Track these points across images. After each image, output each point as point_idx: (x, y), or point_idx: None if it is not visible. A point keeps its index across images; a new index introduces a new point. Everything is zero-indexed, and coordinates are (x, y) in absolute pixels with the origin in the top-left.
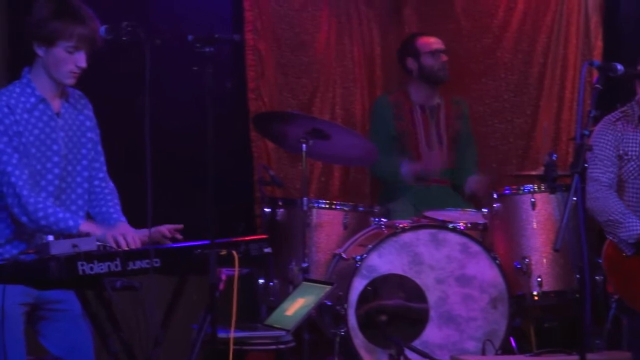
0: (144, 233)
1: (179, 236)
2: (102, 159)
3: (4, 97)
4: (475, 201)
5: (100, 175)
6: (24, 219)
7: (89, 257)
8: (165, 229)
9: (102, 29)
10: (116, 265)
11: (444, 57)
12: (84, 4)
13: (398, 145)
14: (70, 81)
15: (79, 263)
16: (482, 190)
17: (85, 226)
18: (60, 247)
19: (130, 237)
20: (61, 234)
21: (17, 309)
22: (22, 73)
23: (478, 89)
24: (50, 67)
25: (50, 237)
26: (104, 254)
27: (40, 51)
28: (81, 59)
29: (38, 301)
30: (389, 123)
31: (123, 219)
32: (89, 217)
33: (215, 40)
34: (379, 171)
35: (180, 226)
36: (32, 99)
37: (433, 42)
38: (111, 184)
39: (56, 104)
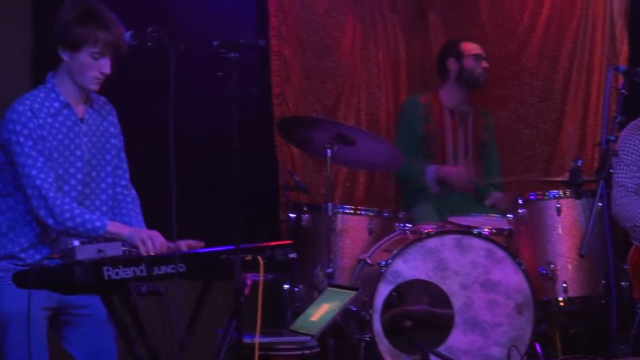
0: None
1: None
2: (125, 165)
3: (28, 102)
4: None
5: (123, 182)
6: (50, 221)
7: (114, 262)
8: (184, 246)
9: (128, 34)
10: (141, 271)
11: (485, 64)
12: (108, 9)
13: (424, 148)
14: (95, 87)
15: (105, 268)
16: (504, 205)
17: (112, 226)
18: (85, 252)
19: (157, 242)
20: (88, 235)
21: (40, 313)
22: (47, 78)
23: (503, 95)
24: (74, 73)
25: (76, 242)
26: (129, 259)
27: (65, 56)
28: (105, 65)
29: (61, 305)
30: (417, 124)
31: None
32: None
33: (241, 45)
34: (402, 173)
35: (202, 244)
36: (56, 104)
37: (476, 48)
38: (133, 192)
39: (80, 109)
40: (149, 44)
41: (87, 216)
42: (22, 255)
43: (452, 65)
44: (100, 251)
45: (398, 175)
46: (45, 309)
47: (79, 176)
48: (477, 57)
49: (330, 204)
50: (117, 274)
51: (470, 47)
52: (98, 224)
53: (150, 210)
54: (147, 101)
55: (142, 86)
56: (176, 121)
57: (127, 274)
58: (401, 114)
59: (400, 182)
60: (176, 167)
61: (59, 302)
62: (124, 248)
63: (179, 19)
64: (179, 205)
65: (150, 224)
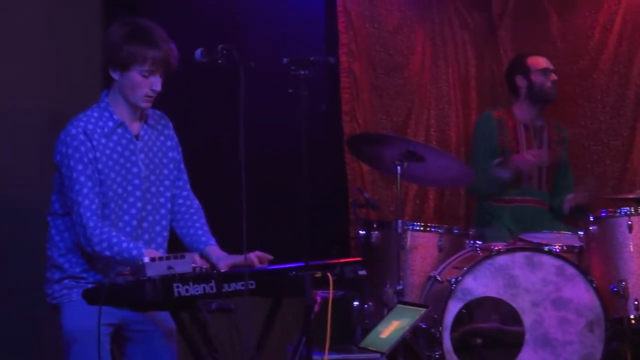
0: (239, 259)
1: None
2: (185, 177)
3: (82, 123)
4: (572, 221)
5: (184, 193)
6: (88, 249)
7: (184, 279)
8: (255, 257)
9: (198, 52)
10: (211, 287)
11: (554, 77)
12: (157, 26)
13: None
14: (146, 105)
15: (175, 285)
16: (584, 200)
17: (149, 254)
18: (155, 269)
19: None
20: (126, 264)
21: (103, 329)
22: (101, 96)
23: (574, 112)
24: (126, 91)
25: (146, 259)
26: (199, 275)
27: (115, 75)
28: (156, 83)
29: (122, 322)
30: (491, 138)
31: (213, 241)
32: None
33: (310, 62)
34: (476, 185)
35: (270, 257)
36: (110, 123)
37: (543, 61)
38: (196, 202)
39: (135, 126)
40: (219, 61)
41: (125, 245)
42: (84, 275)
43: (520, 82)
44: (170, 268)
45: (472, 189)
46: (108, 325)
47: (138, 193)
48: (544, 71)
49: (400, 221)
50: (187, 290)
51: (537, 62)
52: (135, 252)
53: (221, 226)
54: (217, 118)
55: (212, 104)
56: (246, 138)
57: (197, 291)
58: (475, 130)
59: (476, 196)
60: (246, 184)
61: (121, 319)
62: (193, 265)
63: (249, 36)
64: (249, 222)
65: (220, 240)
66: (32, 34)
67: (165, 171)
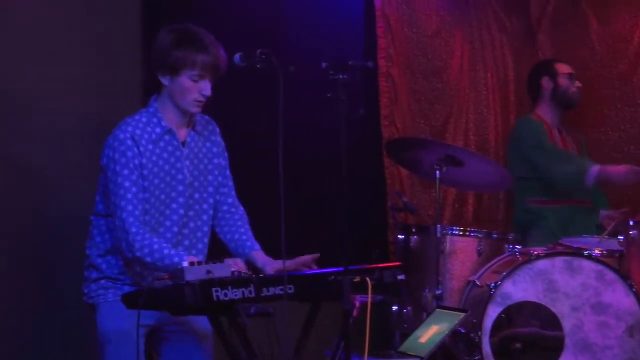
0: (279, 264)
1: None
2: (231, 183)
3: (130, 128)
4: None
5: (230, 200)
6: (129, 255)
7: (223, 283)
8: (302, 262)
9: (237, 56)
10: (250, 292)
11: (578, 84)
12: (206, 31)
13: None
14: (196, 110)
15: (214, 289)
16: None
17: (190, 261)
18: (194, 274)
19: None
20: (167, 271)
21: (140, 330)
22: (150, 102)
23: (614, 116)
24: (175, 96)
25: (186, 263)
26: (238, 280)
27: (165, 81)
28: (206, 87)
29: (159, 323)
30: (546, 137)
31: (257, 247)
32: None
33: (349, 67)
34: (560, 175)
35: (317, 256)
36: (158, 130)
37: (570, 68)
38: (241, 209)
39: (182, 133)
40: (259, 66)
41: (166, 252)
42: (121, 277)
43: (547, 83)
44: (209, 272)
45: (553, 181)
46: (144, 327)
47: (181, 200)
48: (571, 76)
49: (439, 225)
50: (226, 295)
51: (565, 67)
52: (176, 259)
53: (260, 232)
54: (256, 123)
55: (252, 108)
56: (285, 143)
57: (236, 295)
58: (529, 131)
59: (559, 187)
60: (285, 188)
61: (157, 320)
62: (232, 269)
63: (289, 41)
64: (288, 227)
65: (260, 244)
66: (74, 43)
67: (210, 177)
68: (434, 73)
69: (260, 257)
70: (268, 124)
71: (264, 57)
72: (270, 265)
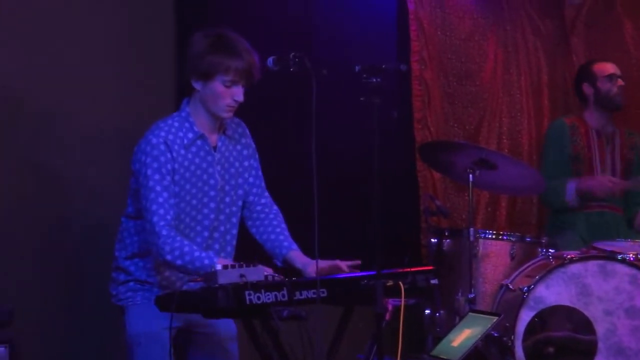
0: (326, 264)
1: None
2: (263, 184)
3: (163, 133)
4: None
5: (262, 200)
6: (160, 258)
7: (256, 286)
8: (344, 265)
9: (270, 60)
10: (283, 295)
11: (621, 82)
12: (240, 36)
13: (573, 169)
14: (228, 115)
15: (247, 292)
16: None
17: (222, 263)
18: (227, 277)
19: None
20: (197, 273)
21: (166, 333)
22: (182, 105)
23: None
24: (207, 101)
25: (219, 266)
26: (271, 283)
27: (197, 85)
28: (239, 93)
29: (186, 324)
30: (565, 145)
31: (295, 246)
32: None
33: (382, 70)
34: (545, 196)
35: (358, 262)
36: (190, 135)
37: (609, 67)
38: (275, 208)
39: (214, 137)
40: (292, 69)
41: (197, 254)
42: (150, 280)
43: (587, 89)
44: (242, 276)
45: (541, 198)
46: (172, 329)
47: (212, 205)
48: (610, 77)
49: (472, 229)
50: (258, 298)
51: (604, 68)
52: (207, 262)
53: (293, 234)
54: (289, 126)
55: (285, 112)
56: (318, 146)
57: (268, 299)
58: (547, 136)
59: (544, 205)
60: (318, 191)
61: (185, 321)
62: (265, 273)
63: (321, 44)
64: (321, 230)
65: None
66: (107, 45)
67: (240, 180)
68: (467, 76)
69: (298, 257)
70: (301, 127)
71: (297, 60)
72: (310, 266)
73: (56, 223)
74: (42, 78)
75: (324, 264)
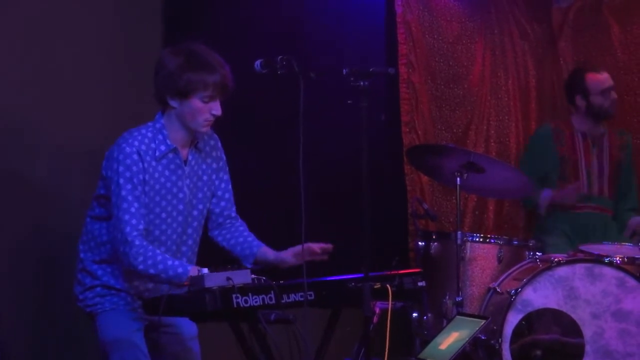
0: (297, 249)
1: (325, 257)
2: (232, 198)
3: (136, 142)
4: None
5: (230, 213)
6: (131, 267)
7: (243, 290)
8: (315, 246)
9: (257, 63)
10: (270, 298)
11: (614, 95)
12: (209, 49)
13: (560, 171)
14: (206, 129)
15: (234, 296)
16: None
17: (194, 271)
18: (214, 280)
19: None
20: (170, 282)
21: (139, 335)
22: (156, 117)
23: (636, 122)
24: (185, 118)
25: (205, 270)
26: (258, 286)
27: (174, 103)
28: (216, 107)
29: (151, 324)
30: (549, 150)
31: (262, 244)
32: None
33: (370, 73)
34: (524, 200)
35: (330, 246)
36: (163, 147)
37: (603, 80)
38: (241, 220)
39: (185, 151)
40: (279, 72)
41: (170, 262)
42: (118, 286)
43: (580, 102)
44: (229, 279)
45: (523, 201)
46: (140, 330)
47: (180, 218)
48: (604, 92)
49: (459, 232)
50: (246, 301)
51: (598, 82)
52: (180, 270)
53: (280, 237)
54: (277, 129)
55: (272, 114)
56: (305, 149)
57: (256, 302)
58: (531, 143)
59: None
60: (305, 194)
61: (150, 321)
62: (252, 276)
63: (309, 47)
64: (308, 233)
65: (280, 248)
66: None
67: (208, 193)
68: (455, 79)
69: (269, 251)
70: (289, 130)
71: (284, 63)
72: (284, 252)
73: (28, 228)
74: (26, 84)
75: (297, 249)
